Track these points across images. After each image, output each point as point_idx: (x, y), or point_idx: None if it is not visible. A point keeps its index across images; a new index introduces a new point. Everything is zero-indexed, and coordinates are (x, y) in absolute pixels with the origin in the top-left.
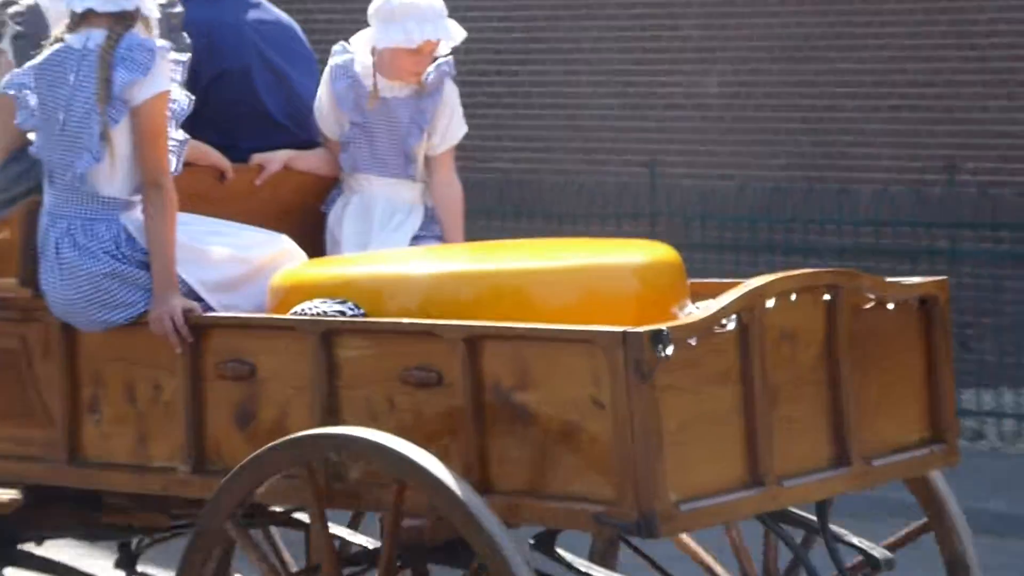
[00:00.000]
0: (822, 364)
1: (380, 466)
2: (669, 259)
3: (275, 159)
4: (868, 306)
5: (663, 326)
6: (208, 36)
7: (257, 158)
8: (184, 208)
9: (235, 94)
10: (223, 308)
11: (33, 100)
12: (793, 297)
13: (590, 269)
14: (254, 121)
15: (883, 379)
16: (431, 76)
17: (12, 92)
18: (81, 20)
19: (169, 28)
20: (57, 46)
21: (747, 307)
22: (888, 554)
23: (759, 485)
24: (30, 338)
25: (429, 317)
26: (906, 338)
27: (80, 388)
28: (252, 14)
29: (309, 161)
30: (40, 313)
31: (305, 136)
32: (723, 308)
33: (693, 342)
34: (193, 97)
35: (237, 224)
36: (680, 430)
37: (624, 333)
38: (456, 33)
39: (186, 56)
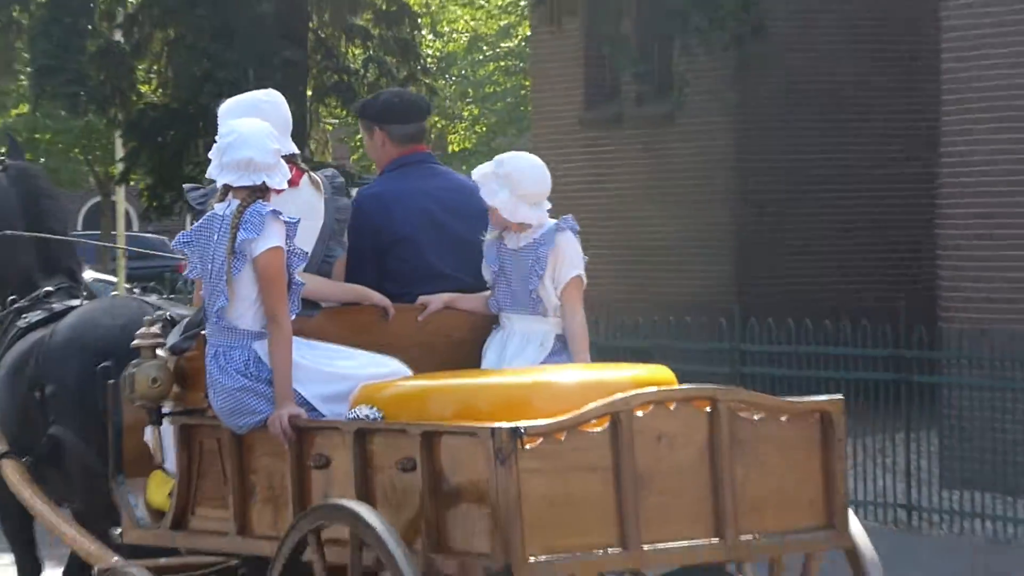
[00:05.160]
0: (703, 461)
1: (355, 530)
2: (645, 379)
3: (437, 299)
4: (758, 417)
5: (521, 424)
6: (387, 207)
7: (422, 299)
8: (352, 340)
9: (406, 255)
10: (335, 417)
11: (195, 255)
12: (673, 407)
13: (582, 386)
14: (424, 274)
15: (775, 476)
16: (546, 228)
17: (177, 248)
18: (226, 192)
19: (333, 191)
20: (209, 212)
21: (612, 413)
22: None
23: (624, 548)
24: (222, 439)
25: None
26: (803, 444)
27: (246, 477)
28: (433, 182)
29: (470, 302)
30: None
31: (473, 282)
32: (582, 414)
33: (562, 438)
34: (307, 251)
35: (359, 351)
36: (547, 504)
37: (492, 429)
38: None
39: (343, 216)
